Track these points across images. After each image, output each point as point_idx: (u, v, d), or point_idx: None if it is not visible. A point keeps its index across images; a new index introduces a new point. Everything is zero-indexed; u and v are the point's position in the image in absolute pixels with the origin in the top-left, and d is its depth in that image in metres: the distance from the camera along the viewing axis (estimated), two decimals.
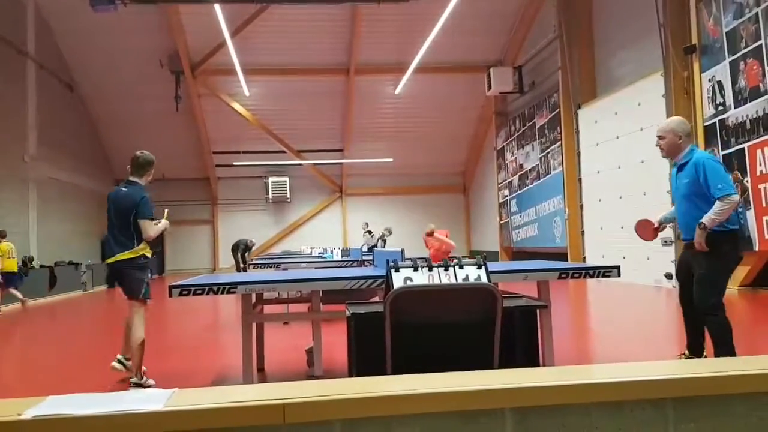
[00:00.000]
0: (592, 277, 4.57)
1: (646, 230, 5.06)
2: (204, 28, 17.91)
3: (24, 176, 16.56)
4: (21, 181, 16.42)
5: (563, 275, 4.46)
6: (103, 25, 17.77)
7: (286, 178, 24.79)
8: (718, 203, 4.33)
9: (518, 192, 20.29)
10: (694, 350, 4.82)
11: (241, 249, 20.67)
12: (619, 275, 4.52)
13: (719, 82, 10.81)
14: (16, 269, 12.63)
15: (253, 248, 21.09)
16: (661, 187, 11.45)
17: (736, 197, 4.37)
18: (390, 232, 15.68)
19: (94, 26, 17.83)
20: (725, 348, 4.34)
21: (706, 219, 4.36)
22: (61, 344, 7.83)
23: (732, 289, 10.32)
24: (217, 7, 14.66)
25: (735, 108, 10.41)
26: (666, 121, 4.88)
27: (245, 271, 18.74)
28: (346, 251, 12.12)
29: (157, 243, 24.57)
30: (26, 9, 16.89)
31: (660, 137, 4.75)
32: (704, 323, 4.57)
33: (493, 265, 4.41)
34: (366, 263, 8.93)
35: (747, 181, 10.11)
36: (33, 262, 15.33)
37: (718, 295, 4.46)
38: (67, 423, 1.34)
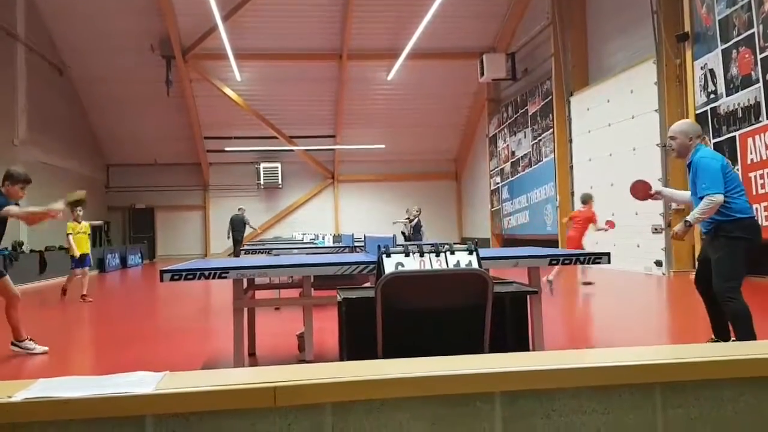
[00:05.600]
0: (582, 263, 4.61)
1: (641, 190, 5.17)
2: (195, 12, 17.75)
3: (13, 160, 16.37)
4: (10, 165, 16.26)
5: (553, 261, 4.49)
6: (94, 8, 17.59)
7: (278, 164, 24.69)
8: (702, 201, 4.52)
9: (510, 179, 20.31)
10: (720, 334, 4.89)
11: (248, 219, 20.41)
12: (609, 262, 4.55)
13: (711, 70, 10.82)
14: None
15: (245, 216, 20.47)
16: (653, 174, 11.49)
17: (719, 197, 4.47)
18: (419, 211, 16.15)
19: (85, 8, 17.64)
20: (744, 332, 4.41)
21: (690, 217, 4.60)
22: (52, 328, 7.81)
23: None
24: None
25: (727, 96, 10.43)
26: (678, 123, 5.05)
27: (240, 243, 18.59)
28: (338, 237, 12.11)
29: (149, 228, 24.57)
30: None
31: (672, 138, 4.89)
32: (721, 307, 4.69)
33: (484, 252, 4.42)
34: (358, 249, 8.94)
35: (738, 170, 10.16)
36: (23, 247, 15.25)
37: (732, 281, 4.52)
38: (58, 405, 1.34)
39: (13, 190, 5.75)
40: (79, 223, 10.76)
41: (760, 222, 9.67)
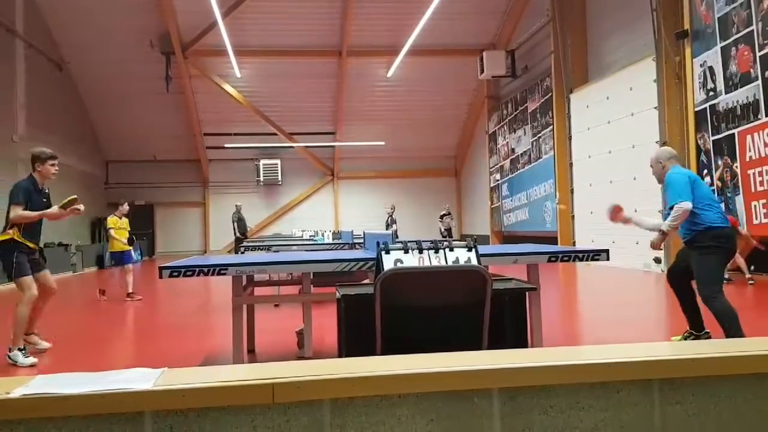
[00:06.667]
0: (581, 260, 4.62)
1: (617, 213, 5.38)
2: (195, 8, 17.71)
3: (13, 156, 16.39)
4: (10, 161, 16.26)
5: (552, 258, 4.48)
6: (93, 4, 17.55)
7: (278, 161, 24.66)
8: (673, 210, 4.84)
9: (509, 176, 20.30)
10: (695, 327, 5.20)
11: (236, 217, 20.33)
12: (608, 259, 4.55)
13: (710, 68, 10.82)
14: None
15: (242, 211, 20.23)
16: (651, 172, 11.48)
17: (686, 204, 4.76)
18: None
19: (84, 4, 17.60)
20: (733, 330, 4.58)
21: (664, 225, 4.92)
22: (53, 324, 7.81)
23: None
24: None
25: (726, 93, 10.43)
26: (653, 153, 5.47)
27: (243, 239, 18.50)
28: (337, 234, 12.10)
29: (148, 225, 24.54)
30: None
31: (651, 167, 5.32)
32: (698, 302, 5.04)
33: (483, 248, 4.42)
34: (357, 246, 8.94)
35: (736, 167, 10.16)
36: None
37: (711, 285, 4.77)
38: (56, 402, 1.34)
39: (45, 169, 5.97)
40: (121, 218, 10.61)
41: (757, 220, 9.68)
